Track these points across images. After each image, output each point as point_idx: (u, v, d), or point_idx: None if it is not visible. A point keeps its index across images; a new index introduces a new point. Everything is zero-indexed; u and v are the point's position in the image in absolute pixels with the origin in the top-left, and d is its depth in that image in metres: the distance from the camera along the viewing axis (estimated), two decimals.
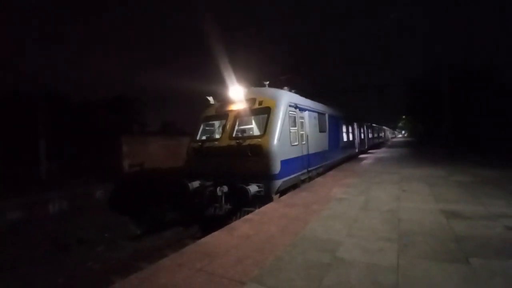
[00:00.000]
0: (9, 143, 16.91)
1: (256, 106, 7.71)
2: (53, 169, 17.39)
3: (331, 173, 10.50)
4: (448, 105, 16.54)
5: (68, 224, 10.16)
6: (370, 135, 26.29)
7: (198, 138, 8.61)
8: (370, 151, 23.03)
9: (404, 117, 59.77)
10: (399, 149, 23.54)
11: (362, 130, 21.40)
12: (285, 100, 7.78)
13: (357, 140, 18.74)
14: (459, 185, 6.88)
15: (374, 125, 31.34)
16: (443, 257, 3.03)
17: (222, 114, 8.33)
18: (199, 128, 8.77)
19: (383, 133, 44.79)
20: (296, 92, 9.31)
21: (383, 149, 25.28)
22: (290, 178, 7.53)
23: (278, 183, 6.90)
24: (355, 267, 2.90)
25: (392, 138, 72.73)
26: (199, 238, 4.43)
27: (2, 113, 17.46)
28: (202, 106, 9.11)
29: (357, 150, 18.59)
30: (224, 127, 7.97)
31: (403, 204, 5.31)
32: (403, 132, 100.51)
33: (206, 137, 8.77)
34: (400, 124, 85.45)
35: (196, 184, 7.67)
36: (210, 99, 8.72)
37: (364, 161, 14.32)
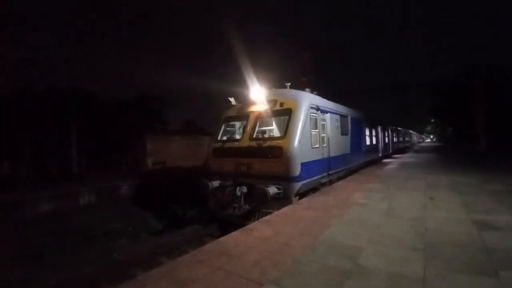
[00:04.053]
0: (43, 138, 18.07)
1: (277, 107, 7.69)
2: (83, 164, 18.44)
3: (352, 177, 10.23)
4: (481, 108, 15.52)
5: (95, 216, 10.73)
6: (395, 139, 25.32)
7: (219, 138, 8.73)
8: (394, 155, 22.16)
9: (432, 120, 56.94)
10: (426, 154, 22.44)
11: (386, 134, 20.67)
12: (307, 102, 7.69)
13: (380, 144, 18.12)
14: (492, 194, 6.43)
15: (400, 128, 30.14)
16: (471, 270, 2.85)
17: (243, 115, 8.37)
18: (220, 128, 8.87)
19: (409, 137, 42.96)
20: (317, 94, 9.18)
21: (408, 154, 24.22)
22: (310, 181, 7.43)
23: (298, 185, 6.83)
24: (377, 276, 2.79)
25: (419, 142, 69.41)
26: (218, 237, 4.50)
27: (37, 109, 18.67)
28: (223, 107, 9.23)
29: (380, 155, 17.97)
30: (245, 128, 8.02)
31: (430, 213, 5.05)
32: (431, 136, 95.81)
33: (227, 137, 8.87)
34: (428, 128, 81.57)
35: (216, 183, 7.79)
36: (232, 99, 8.80)
37: (388, 166, 13.80)
